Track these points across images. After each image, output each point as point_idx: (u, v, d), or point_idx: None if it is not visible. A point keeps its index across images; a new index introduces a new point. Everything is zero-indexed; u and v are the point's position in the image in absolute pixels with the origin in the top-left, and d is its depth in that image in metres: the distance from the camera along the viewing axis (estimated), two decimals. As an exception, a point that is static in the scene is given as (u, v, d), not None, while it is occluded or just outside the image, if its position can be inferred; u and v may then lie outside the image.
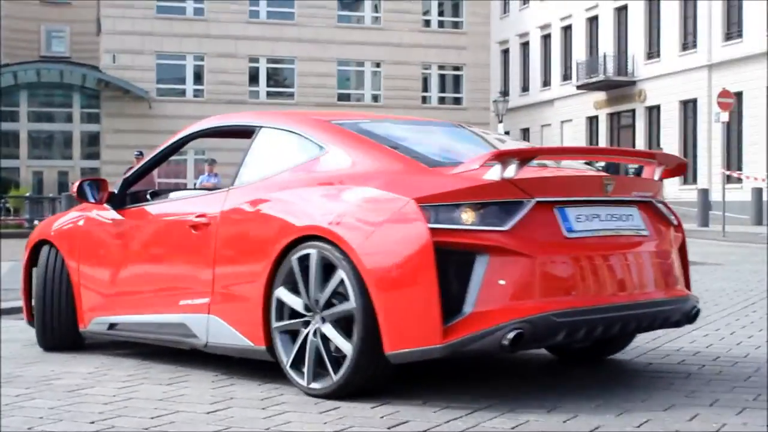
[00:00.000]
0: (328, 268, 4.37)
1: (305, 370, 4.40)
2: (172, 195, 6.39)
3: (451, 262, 4.04)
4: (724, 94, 28.75)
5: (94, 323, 5.92)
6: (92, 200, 5.89)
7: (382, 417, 3.89)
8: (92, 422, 3.93)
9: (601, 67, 46.85)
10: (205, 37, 51.50)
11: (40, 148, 51.97)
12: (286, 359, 4.52)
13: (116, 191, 5.96)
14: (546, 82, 53.11)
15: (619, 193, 4.63)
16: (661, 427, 3.79)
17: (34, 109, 51.38)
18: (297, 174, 4.98)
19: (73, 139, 51.97)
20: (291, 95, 52.67)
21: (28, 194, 39.50)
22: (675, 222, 5.03)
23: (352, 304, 4.23)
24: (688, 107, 42.52)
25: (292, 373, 4.48)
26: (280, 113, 5.93)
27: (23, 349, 6.32)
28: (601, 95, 48.23)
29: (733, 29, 39.40)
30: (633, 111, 46.46)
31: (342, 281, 4.28)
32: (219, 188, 6.19)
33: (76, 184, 5.94)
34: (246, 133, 6.15)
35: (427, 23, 56.64)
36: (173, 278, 5.44)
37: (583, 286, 4.33)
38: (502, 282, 4.09)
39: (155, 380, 4.97)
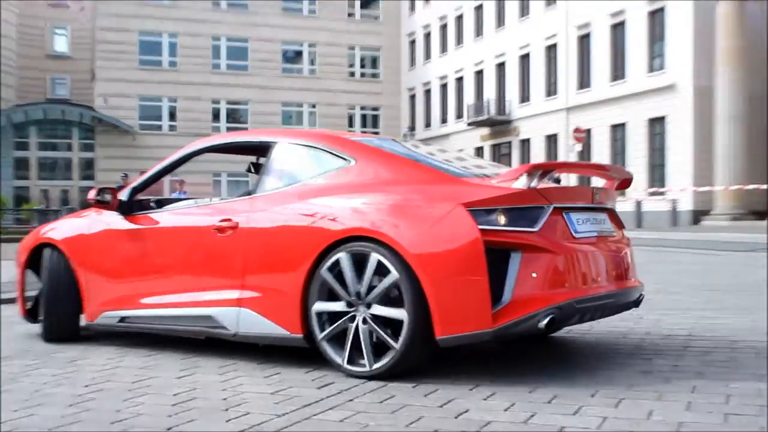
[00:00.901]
0: (381, 268, 4.00)
1: (345, 352, 4.06)
2: (181, 204, 5.57)
3: (490, 258, 3.79)
4: (578, 130, 31.19)
5: (103, 317, 5.27)
6: (106, 206, 5.26)
7: (485, 398, 3.44)
8: (124, 401, 3.37)
9: (485, 108, 47.64)
10: (177, 84, 51.59)
11: (46, 171, 51.53)
12: (325, 339, 4.17)
13: (125, 198, 5.32)
14: (444, 120, 53.39)
15: (600, 201, 4.50)
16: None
17: (42, 140, 51.31)
18: (325, 183, 4.53)
19: (73, 164, 52.04)
20: (245, 129, 48.11)
21: (36, 207, 39.03)
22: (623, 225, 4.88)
23: (404, 306, 3.89)
24: (551, 140, 43.22)
25: (330, 353, 4.15)
26: (294, 131, 5.22)
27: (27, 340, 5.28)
28: (485, 130, 48.74)
29: (584, 81, 40.32)
30: (510, 143, 46.75)
31: (392, 276, 3.94)
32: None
33: (95, 190, 5.28)
34: (254, 148, 5.97)
35: (352, 74, 56.94)
36: (196, 276, 4.84)
37: (589, 278, 4.15)
38: (534, 275, 3.86)
39: (168, 368, 4.13)
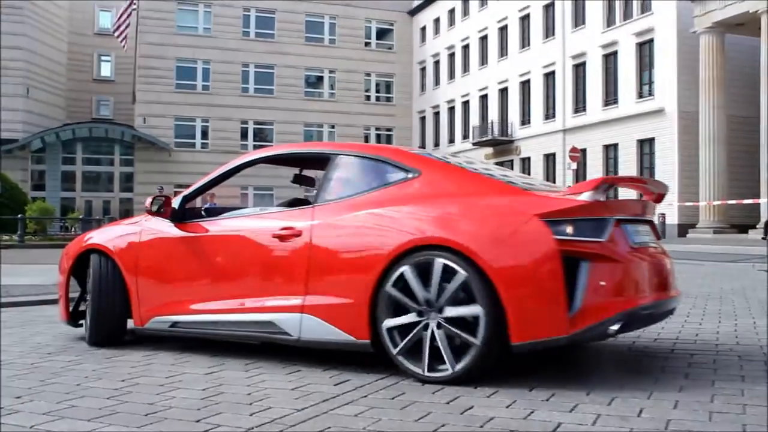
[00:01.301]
0: (448, 272, 3.77)
1: (424, 361, 3.80)
2: (233, 212, 5.17)
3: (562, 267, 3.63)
4: (574, 150, 31.19)
5: (153, 322, 4.92)
6: (161, 214, 4.94)
7: (488, 396, 3.39)
8: (159, 391, 3.38)
9: (489, 129, 47.69)
10: (209, 106, 51.75)
11: (90, 183, 51.36)
12: (401, 353, 3.88)
13: (176, 207, 5.00)
14: (451, 140, 52.95)
15: (647, 214, 4.33)
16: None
17: (87, 155, 51.19)
18: (392, 193, 4.25)
19: (114, 178, 51.87)
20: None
21: (80, 216, 37.93)
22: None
23: (477, 302, 3.68)
24: (549, 159, 43.12)
25: (408, 365, 3.86)
26: (354, 144, 4.91)
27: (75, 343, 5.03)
28: (489, 150, 48.41)
29: (579, 105, 40.49)
30: (512, 161, 46.33)
31: (465, 283, 3.71)
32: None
33: (151, 199, 4.98)
34: (309, 160, 5.64)
35: (368, 98, 56.86)
36: (255, 282, 4.53)
37: (648, 286, 3.98)
38: (602, 283, 3.70)
39: (197, 365, 4.09)
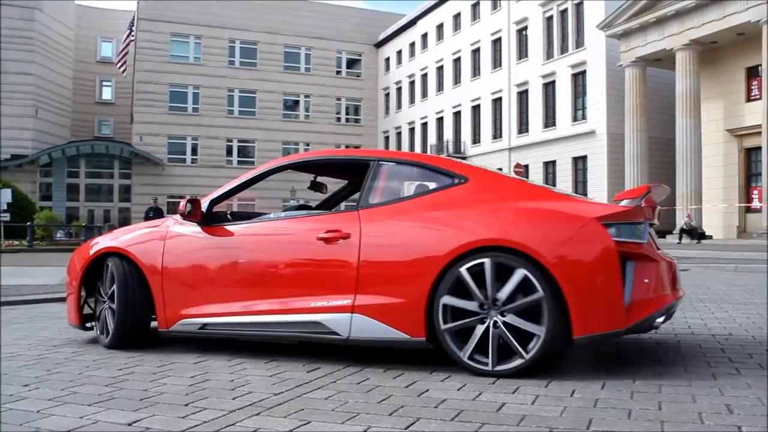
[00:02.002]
0: (511, 272, 3.52)
1: (490, 356, 3.52)
2: (264, 217, 4.69)
3: None
4: (518, 165, 31.04)
5: (181, 324, 4.39)
6: (191, 217, 4.40)
7: (442, 380, 3.31)
8: (191, 380, 3.52)
9: (445, 147, 47.69)
10: (198, 126, 51.75)
11: (92, 194, 50.98)
12: (462, 351, 3.59)
13: (204, 211, 4.47)
14: None
15: (655, 219, 4.03)
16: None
17: (89, 169, 50.82)
18: (439, 198, 3.93)
19: (113, 190, 51.48)
20: (253, 163, 51.41)
21: (83, 224, 38.69)
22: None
23: (541, 299, 3.45)
24: None
25: (470, 362, 3.57)
26: (391, 151, 4.51)
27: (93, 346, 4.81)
28: None
29: (523, 127, 40.90)
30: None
31: (528, 281, 3.48)
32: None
33: (184, 201, 4.44)
34: (342, 167, 5.17)
35: (339, 119, 56.82)
36: (299, 283, 4.07)
37: (674, 284, 3.88)
38: (646, 280, 3.58)
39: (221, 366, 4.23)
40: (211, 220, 4.54)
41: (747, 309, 6.45)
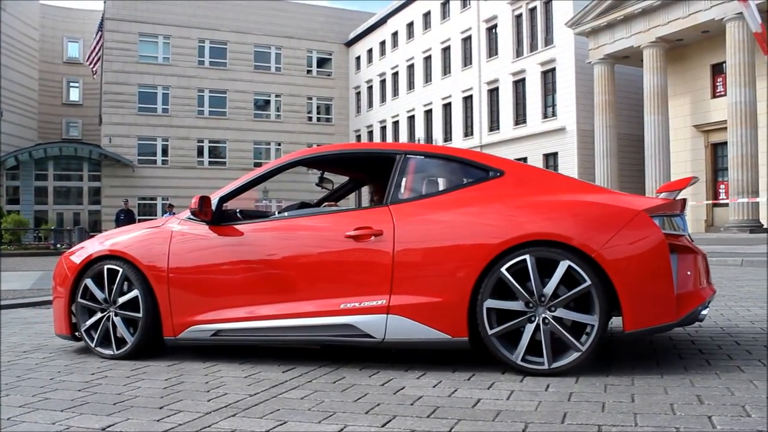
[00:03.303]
0: (558, 266, 3.38)
1: (545, 354, 3.39)
2: (280, 215, 4.30)
3: None
4: None
5: (191, 331, 4.07)
6: (200, 216, 4.12)
7: (417, 378, 3.16)
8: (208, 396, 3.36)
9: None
10: (169, 127, 50.95)
11: (61, 197, 50.16)
12: (513, 354, 3.45)
13: (213, 209, 4.17)
14: None
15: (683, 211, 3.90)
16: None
17: (58, 172, 49.79)
18: (475, 192, 3.76)
19: (83, 192, 50.75)
20: (224, 163, 51.85)
21: (53, 227, 38.09)
22: None
23: (590, 288, 3.34)
24: None
25: (524, 364, 3.43)
26: (418, 144, 4.35)
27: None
28: None
29: (494, 124, 40.93)
30: None
31: (577, 275, 3.36)
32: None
33: (197, 199, 4.12)
34: (361, 161, 4.88)
35: (310, 119, 56.24)
36: (326, 284, 3.80)
37: (707, 276, 3.77)
38: (689, 272, 3.50)
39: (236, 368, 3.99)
40: (220, 219, 4.26)
41: (716, 301, 6.51)
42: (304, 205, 4.75)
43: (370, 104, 55.86)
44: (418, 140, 47.96)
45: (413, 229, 3.74)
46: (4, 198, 46.91)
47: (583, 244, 3.40)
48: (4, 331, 5.87)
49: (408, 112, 50.37)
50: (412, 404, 2.97)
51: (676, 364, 3.63)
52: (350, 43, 58.25)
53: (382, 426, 2.65)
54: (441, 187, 4.01)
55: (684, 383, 3.20)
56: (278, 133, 54.78)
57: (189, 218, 4.32)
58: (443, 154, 4.13)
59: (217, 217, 4.24)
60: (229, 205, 4.48)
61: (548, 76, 36.83)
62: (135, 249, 4.32)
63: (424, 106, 48.31)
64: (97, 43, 46.91)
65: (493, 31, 41.17)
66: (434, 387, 3.29)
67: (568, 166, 35.07)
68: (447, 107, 46.04)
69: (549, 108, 36.96)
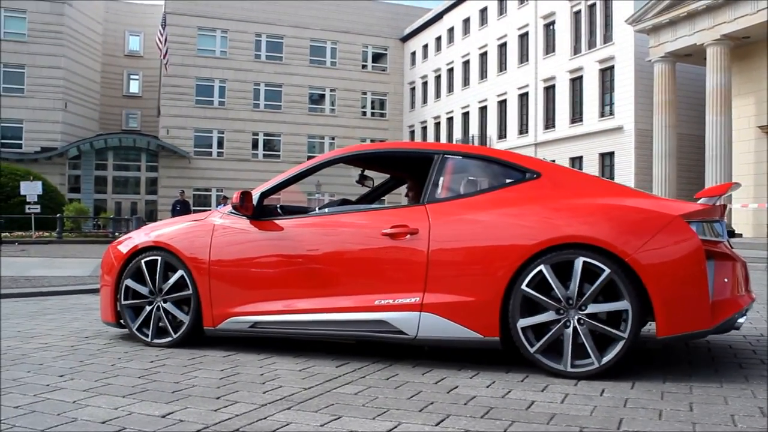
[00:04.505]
0: (592, 270, 3.38)
1: (567, 356, 3.42)
2: (319, 212, 4.40)
3: None
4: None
5: (229, 323, 4.18)
6: (241, 211, 4.24)
7: (470, 377, 3.26)
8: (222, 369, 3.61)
9: (471, 142, 46.73)
10: (224, 119, 51.70)
11: (120, 187, 51.02)
12: (538, 351, 3.47)
13: (254, 204, 4.29)
14: None
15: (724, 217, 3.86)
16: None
17: (117, 162, 50.66)
18: (511, 193, 3.77)
19: (141, 182, 51.56)
20: (278, 156, 52.14)
21: (111, 216, 38.32)
22: None
23: (624, 298, 3.32)
24: None
25: (546, 362, 3.46)
26: (457, 145, 4.29)
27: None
28: None
29: (549, 122, 40.47)
30: None
31: (610, 280, 3.34)
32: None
33: (238, 194, 4.22)
34: (399, 161, 4.90)
35: (364, 113, 56.54)
36: (361, 280, 3.86)
37: (746, 284, 3.71)
38: (726, 280, 3.45)
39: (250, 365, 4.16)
40: (261, 213, 4.36)
41: (779, 309, 6.36)
42: (345, 202, 4.81)
43: (425, 100, 55.70)
44: (472, 137, 47.79)
45: (448, 229, 3.78)
46: (66, 186, 47.91)
47: (617, 249, 3.38)
48: (66, 316, 6.06)
49: (462, 108, 50.09)
50: (465, 404, 2.98)
51: (736, 374, 3.56)
52: (405, 39, 58.18)
53: (436, 425, 2.66)
54: (478, 188, 4.02)
55: (745, 394, 3.13)
56: (332, 127, 55.06)
57: (231, 212, 4.42)
58: (481, 154, 4.15)
59: (258, 211, 4.35)
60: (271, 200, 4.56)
61: (606, 74, 36.19)
62: (179, 241, 4.46)
63: (479, 102, 47.97)
64: (164, 36, 47.83)
65: (551, 27, 40.64)
66: (488, 387, 3.28)
67: (625, 167, 34.45)
68: (502, 104, 45.61)
69: (606, 107, 36.33)
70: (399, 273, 3.81)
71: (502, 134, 45.52)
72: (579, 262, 3.43)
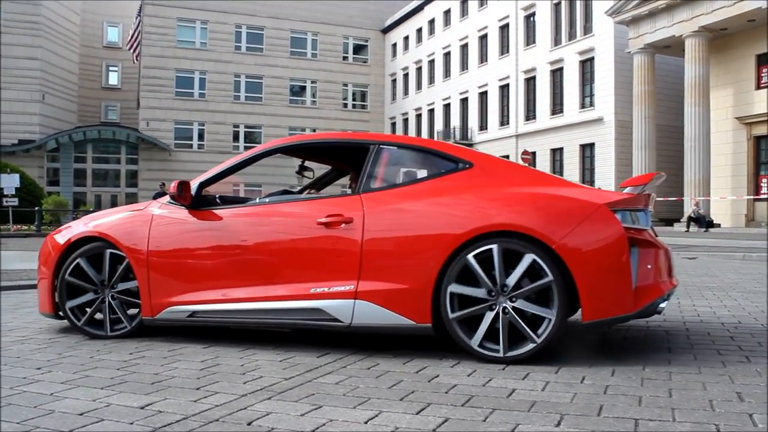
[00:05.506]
0: (518, 257, 3.47)
1: (501, 343, 3.49)
2: (257, 201, 4.44)
3: None
4: (525, 152, 31.31)
5: (168, 312, 4.19)
6: (180, 200, 4.25)
7: (452, 366, 3.26)
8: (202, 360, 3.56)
9: (452, 134, 47.30)
10: (205, 111, 51.59)
11: (99, 179, 50.90)
12: (471, 339, 3.55)
13: (193, 194, 4.30)
14: None
15: (650, 206, 3.96)
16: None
17: (96, 155, 50.59)
18: (444, 183, 3.83)
19: (120, 175, 51.44)
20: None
21: (91, 209, 37.72)
22: None
23: (551, 283, 3.41)
24: None
25: (480, 350, 3.54)
26: (393, 135, 4.39)
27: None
28: None
29: (530, 113, 40.71)
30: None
31: (537, 266, 3.44)
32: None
33: (176, 183, 4.27)
34: (337, 151, 4.97)
35: (345, 105, 56.51)
36: (297, 269, 3.90)
37: (668, 271, 3.82)
38: (649, 266, 3.56)
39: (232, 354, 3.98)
40: (200, 203, 4.37)
41: (756, 297, 6.44)
42: (286, 192, 4.83)
43: (406, 92, 55.79)
44: (454, 129, 48.15)
45: (382, 218, 3.85)
46: (44, 179, 47.53)
47: (543, 236, 3.48)
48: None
49: (444, 100, 50.22)
50: (446, 392, 2.98)
51: (714, 360, 3.59)
52: (387, 30, 58.17)
53: (417, 413, 2.66)
54: (411, 178, 4.10)
55: (723, 380, 3.16)
56: (313, 119, 54.94)
57: (170, 202, 4.43)
58: (415, 145, 4.22)
59: (197, 201, 4.36)
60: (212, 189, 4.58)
61: (586, 66, 36.39)
62: (117, 231, 4.43)
63: (460, 94, 48.11)
64: (136, 28, 47.45)
65: (531, 19, 40.77)
66: (469, 376, 3.29)
67: (605, 157, 34.68)
68: (483, 96, 45.78)
69: (587, 98, 36.56)
70: (334, 261, 3.87)
71: (483, 126, 45.75)
72: (499, 249, 3.53)
